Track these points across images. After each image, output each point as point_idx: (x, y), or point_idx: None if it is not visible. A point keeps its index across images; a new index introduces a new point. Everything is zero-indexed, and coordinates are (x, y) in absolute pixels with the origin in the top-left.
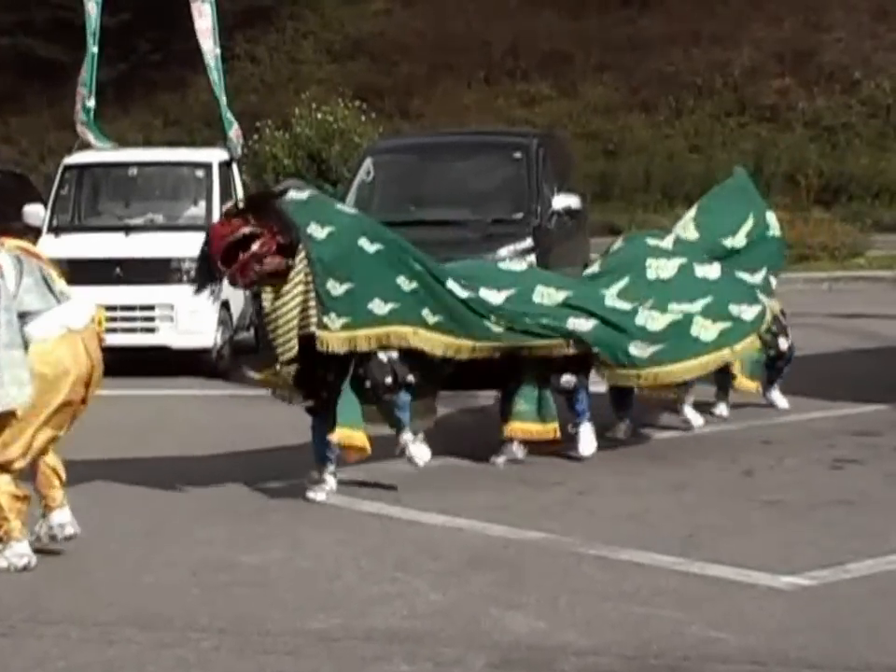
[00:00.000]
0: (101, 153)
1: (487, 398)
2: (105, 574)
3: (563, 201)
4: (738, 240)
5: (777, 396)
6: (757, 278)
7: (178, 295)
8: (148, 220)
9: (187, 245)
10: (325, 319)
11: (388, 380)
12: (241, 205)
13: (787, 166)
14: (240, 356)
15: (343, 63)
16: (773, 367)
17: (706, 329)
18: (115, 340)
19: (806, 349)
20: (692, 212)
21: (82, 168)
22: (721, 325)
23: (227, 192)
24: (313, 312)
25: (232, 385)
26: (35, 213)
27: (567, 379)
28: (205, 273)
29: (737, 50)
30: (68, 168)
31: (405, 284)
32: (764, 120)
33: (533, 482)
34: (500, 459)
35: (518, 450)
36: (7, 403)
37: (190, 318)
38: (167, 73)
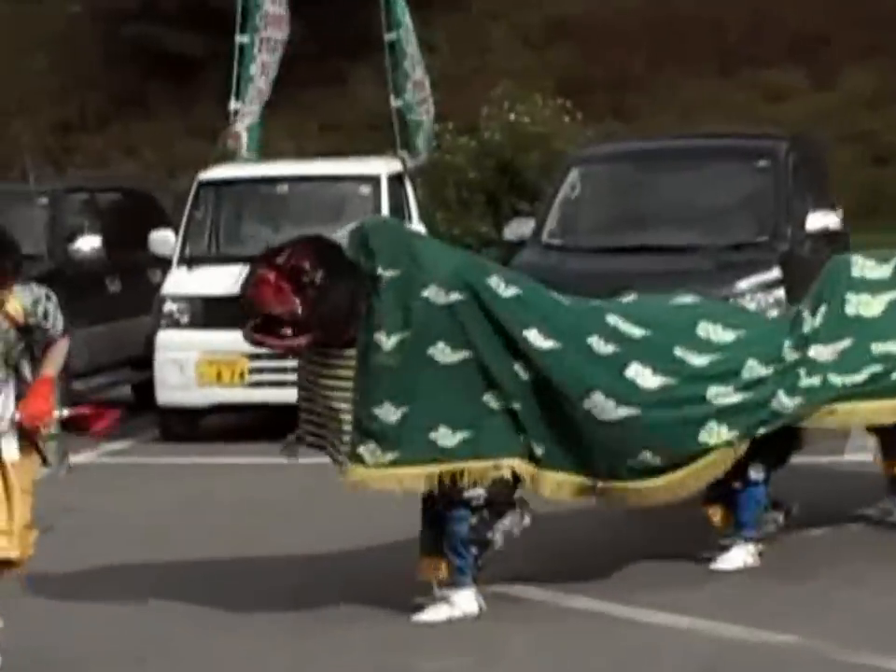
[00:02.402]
0: (243, 167)
1: None
2: None
3: (819, 220)
4: None
5: None
6: None
7: None
8: None
9: None
10: (360, 449)
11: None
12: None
13: None
14: None
15: (543, 52)
16: None
17: None
18: (261, 396)
19: None
20: None
21: (221, 185)
22: None
23: (398, 212)
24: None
25: None
26: (163, 240)
27: (757, 467)
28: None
29: None
30: (204, 185)
31: (492, 401)
32: None
33: (778, 571)
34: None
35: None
36: None
37: None
38: (323, 65)
